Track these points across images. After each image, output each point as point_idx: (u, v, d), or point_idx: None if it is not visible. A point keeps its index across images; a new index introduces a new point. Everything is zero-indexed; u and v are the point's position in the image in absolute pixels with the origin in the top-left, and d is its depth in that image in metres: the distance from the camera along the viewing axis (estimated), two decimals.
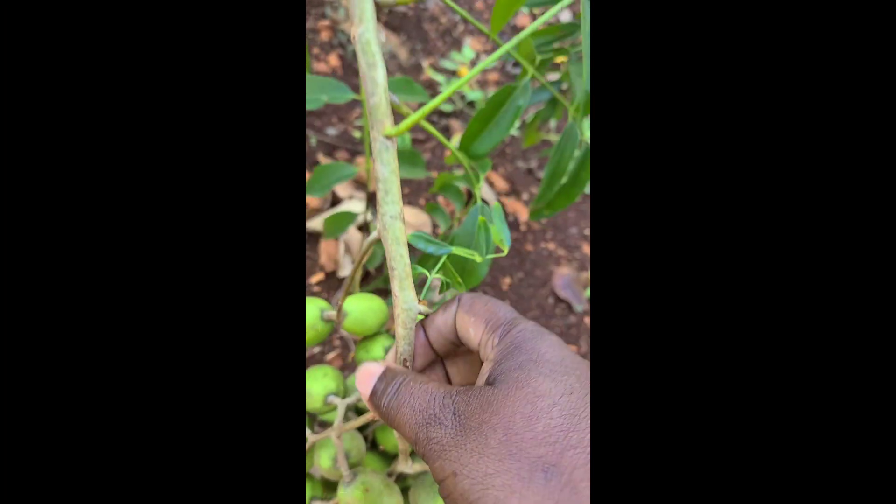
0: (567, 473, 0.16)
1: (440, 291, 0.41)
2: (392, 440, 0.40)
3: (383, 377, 0.22)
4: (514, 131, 0.49)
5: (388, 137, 0.28)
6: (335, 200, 0.75)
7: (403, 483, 0.43)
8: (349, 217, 0.58)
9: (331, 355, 0.61)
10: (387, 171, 0.27)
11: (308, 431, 0.35)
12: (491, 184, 0.85)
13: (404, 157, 0.56)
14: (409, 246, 0.28)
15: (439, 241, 0.33)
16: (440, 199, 0.80)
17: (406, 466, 0.33)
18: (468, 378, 0.27)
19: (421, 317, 0.27)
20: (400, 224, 0.26)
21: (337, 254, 0.68)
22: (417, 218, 0.77)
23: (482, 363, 0.23)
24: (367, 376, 0.23)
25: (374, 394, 0.22)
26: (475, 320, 0.23)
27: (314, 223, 0.70)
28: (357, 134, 0.82)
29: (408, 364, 0.27)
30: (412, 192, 0.80)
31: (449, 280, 0.36)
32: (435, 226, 0.77)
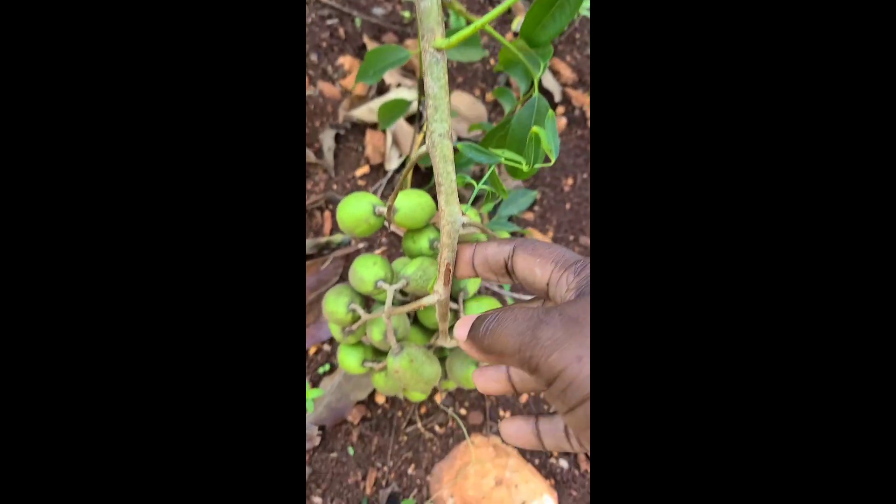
0: None
1: (485, 202, 0.43)
2: (432, 318, 0.45)
3: (481, 317, 0.24)
4: (584, 10, 0.45)
5: (439, 50, 0.28)
6: (381, 89, 0.74)
7: (441, 354, 0.50)
8: (402, 105, 0.58)
9: (378, 251, 0.66)
10: (436, 86, 0.28)
11: (363, 311, 0.41)
12: (556, 73, 0.80)
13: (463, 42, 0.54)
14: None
15: (489, 152, 0.34)
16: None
17: (444, 341, 0.39)
18: None
19: (464, 228, 0.30)
20: (447, 142, 0.27)
21: (384, 146, 0.70)
22: (473, 109, 0.75)
23: (548, 298, 0.25)
24: (463, 322, 0.25)
25: (472, 330, 0.24)
26: (541, 261, 0.25)
27: (360, 112, 0.71)
28: (406, 14, 0.77)
29: (451, 269, 0.31)
30: (467, 81, 0.77)
31: (495, 189, 0.38)
32: (491, 117, 0.76)
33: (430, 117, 0.27)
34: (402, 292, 0.44)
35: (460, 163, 0.61)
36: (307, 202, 0.66)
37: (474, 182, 0.35)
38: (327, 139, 0.68)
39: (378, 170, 0.70)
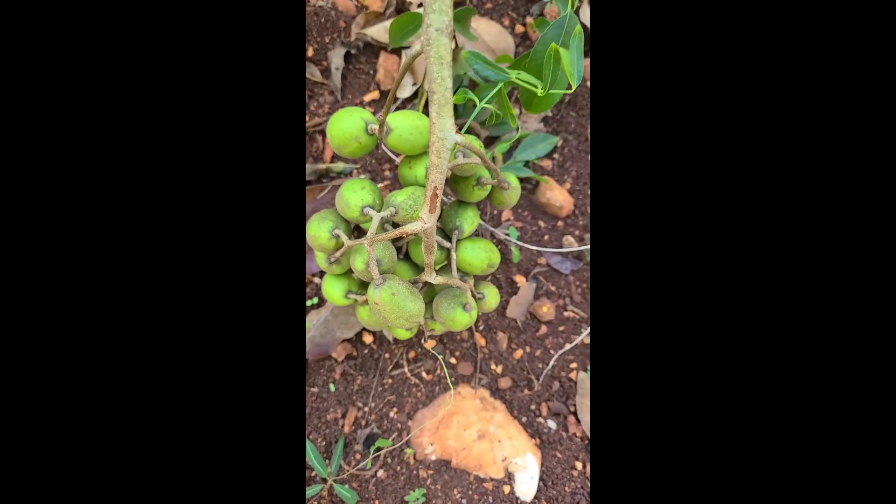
0: None
1: (489, 122, 0.39)
2: (422, 254, 0.42)
3: None
4: None
5: None
6: (401, 8, 0.68)
7: (430, 293, 0.47)
8: (417, 21, 0.53)
9: (381, 185, 0.62)
10: None
11: (345, 237, 0.38)
12: None
13: None
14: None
15: (497, 66, 0.30)
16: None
17: (430, 277, 0.36)
18: None
19: (458, 147, 0.26)
20: (445, 40, 0.23)
21: (396, 71, 0.65)
22: (499, 39, 0.69)
23: None
24: None
25: None
26: None
27: (374, 31, 0.65)
28: None
29: (439, 193, 0.27)
30: (497, 7, 0.70)
31: (501, 112, 0.34)
32: (518, 51, 0.70)
33: (427, 6, 0.23)
34: (392, 223, 0.41)
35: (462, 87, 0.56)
36: (308, 124, 0.62)
37: (476, 99, 0.31)
38: (336, 58, 0.64)
39: (388, 96, 0.65)
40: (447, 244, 0.43)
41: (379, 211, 0.37)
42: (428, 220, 0.29)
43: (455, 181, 0.42)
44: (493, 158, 0.62)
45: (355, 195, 0.37)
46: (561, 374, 0.58)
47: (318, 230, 0.39)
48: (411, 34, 0.56)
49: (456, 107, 0.59)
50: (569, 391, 0.57)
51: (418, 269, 0.46)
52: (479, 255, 0.45)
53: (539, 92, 0.29)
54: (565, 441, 0.55)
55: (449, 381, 0.56)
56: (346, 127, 0.36)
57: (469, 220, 0.44)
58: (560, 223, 0.64)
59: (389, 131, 0.35)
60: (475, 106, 0.33)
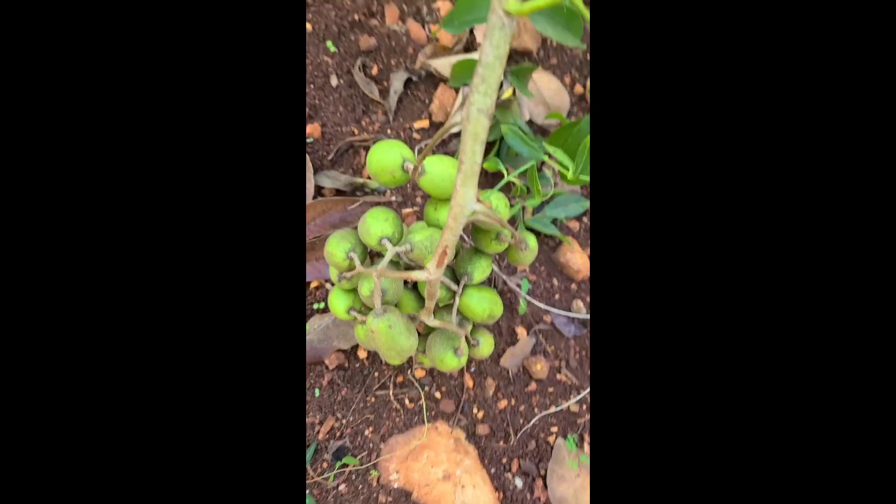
0: None
1: (532, 197, 0.41)
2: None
3: None
4: None
5: (508, 14, 0.26)
6: (470, 46, 0.71)
7: (426, 330, 0.49)
8: None
9: (409, 209, 0.65)
10: (492, 54, 0.25)
11: (358, 262, 0.40)
12: None
13: (557, 16, 0.50)
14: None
15: (532, 145, 0.31)
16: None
17: (427, 319, 0.37)
18: None
19: (474, 215, 0.28)
20: (484, 120, 0.25)
21: (451, 106, 0.67)
22: (557, 97, 0.71)
23: None
24: None
25: None
26: None
27: (439, 63, 0.68)
28: None
29: (449, 253, 0.29)
30: (561, 65, 0.73)
31: (530, 185, 0.36)
32: (573, 110, 0.72)
33: (474, 87, 0.25)
34: (406, 259, 0.43)
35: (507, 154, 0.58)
36: (356, 137, 0.65)
37: (504, 170, 0.32)
38: (397, 81, 0.67)
39: (438, 128, 0.68)
40: (454, 287, 0.45)
41: (396, 245, 0.39)
42: (433, 273, 0.30)
43: (476, 230, 0.44)
44: (523, 209, 0.64)
45: (377, 225, 0.39)
46: (540, 435, 0.59)
47: (336, 249, 0.42)
48: (468, 78, 0.58)
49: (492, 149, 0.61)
50: (543, 454, 0.58)
51: (422, 301, 0.48)
52: (483, 304, 0.46)
53: (569, 176, 0.31)
54: (528, 502, 0.56)
55: (425, 415, 0.57)
56: (384, 158, 0.39)
57: (480, 269, 0.46)
58: (574, 286, 0.65)
59: (423, 173, 0.37)
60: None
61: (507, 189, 0.65)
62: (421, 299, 0.49)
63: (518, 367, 0.61)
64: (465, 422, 0.58)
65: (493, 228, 0.40)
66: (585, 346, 0.63)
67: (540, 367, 0.61)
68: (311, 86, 0.66)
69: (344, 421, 0.57)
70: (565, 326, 0.64)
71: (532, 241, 0.46)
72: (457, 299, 0.45)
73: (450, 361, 0.46)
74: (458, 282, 0.46)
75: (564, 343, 0.63)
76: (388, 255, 0.37)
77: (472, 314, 0.47)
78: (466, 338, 0.48)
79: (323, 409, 0.57)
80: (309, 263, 0.59)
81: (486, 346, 0.51)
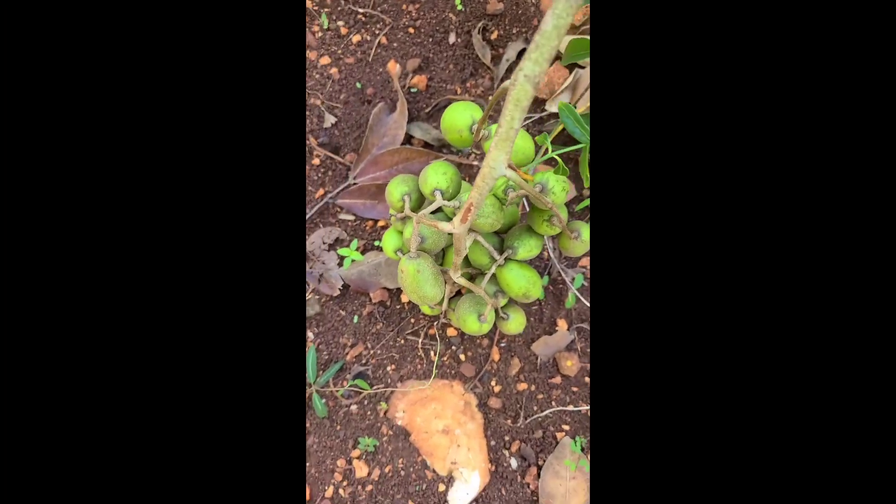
0: None
1: (556, 172, 0.40)
2: (475, 253, 0.46)
3: None
4: None
5: None
6: None
7: (459, 288, 0.50)
8: (588, 46, 0.54)
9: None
10: (552, 23, 0.26)
11: (408, 206, 0.43)
12: None
13: None
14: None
15: (585, 126, 0.31)
16: None
17: (453, 274, 0.39)
18: None
19: (503, 180, 0.29)
20: (529, 88, 0.26)
21: (557, 84, 0.66)
22: None
23: None
24: None
25: None
26: None
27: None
28: None
29: (473, 210, 0.30)
30: None
31: (582, 171, 0.35)
32: None
33: (528, 53, 0.26)
34: (453, 214, 0.44)
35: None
36: (457, 96, 0.67)
37: (549, 145, 0.33)
38: (511, 50, 0.67)
39: (541, 104, 0.67)
40: (497, 257, 0.46)
41: (446, 198, 0.41)
42: (457, 227, 0.32)
43: (532, 209, 0.44)
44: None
45: (435, 176, 0.41)
46: (549, 428, 0.59)
47: (394, 189, 0.45)
48: (582, 57, 0.57)
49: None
50: (547, 446, 0.58)
51: (469, 269, 0.50)
52: (521, 281, 0.47)
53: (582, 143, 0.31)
54: (516, 485, 0.57)
55: (434, 369, 0.60)
56: (455, 118, 0.40)
57: (526, 247, 0.46)
58: None
59: (486, 137, 0.38)
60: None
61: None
62: (466, 262, 0.51)
63: (549, 357, 0.61)
64: (481, 390, 0.60)
65: (538, 204, 0.40)
66: None
67: (570, 364, 0.60)
68: (430, 39, 0.69)
69: (372, 352, 0.61)
70: None
71: (585, 232, 0.45)
72: (494, 267, 0.46)
73: (472, 324, 0.48)
74: (502, 253, 0.47)
75: None
76: (436, 204, 0.39)
77: (509, 288, 0.48)
78: (498, 310, 0.49)
79: (357, 334, 0.61)
80: (380, 202, 0.63)
81: (515, 322, 0.52)
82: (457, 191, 0.43)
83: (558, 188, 0.40)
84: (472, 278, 0.52)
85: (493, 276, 0.51)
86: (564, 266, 0.64)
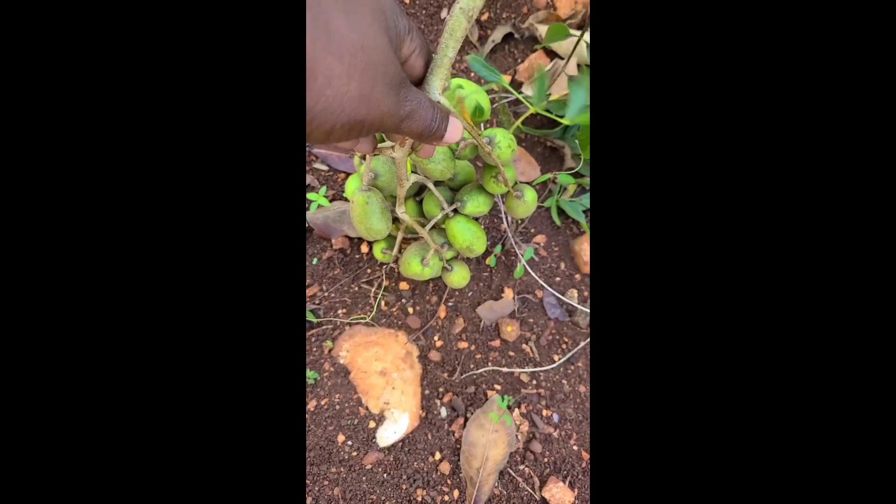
0: None
1: (473, 116, 0.44)
2: (431, 205, 0.49)
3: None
4: None
5: None
6: (582, 24, 0.72)
7: (411, 233, 0.53)
8: (565, 32, 0.58)
9: None
10: None
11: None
12: None
13: None
14: None
15: (495, 71, 0.35)
16: None
17: (398, 208, 0.43)
18: None
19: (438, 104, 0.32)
20: (464, 21, 0.30)
21: (536, 70, 0.69)
22: None
23: None
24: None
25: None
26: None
27: (545, 29, 0.71)
28: None
29: (407, 138, 0.33)
30: None
31: (503, 117, 0.39)
32: None
33: None
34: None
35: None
36: None
37: (465, 90, 0.36)
38: (498, 33, 0.71)
39: (518, 87, 0.71)
40: (446, 207, 0.50)
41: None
42: (398, 152, 0.36)
43: (484, 167, 0.48)
44: (562, 189, 0.66)
45: None
46: (482, 385, 0.62)
47: None
48: (559, 40, 0.61)
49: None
50: (477, 401, 0.61)
51: (421, 218, 0.53)
52: (466, 234, 0.51)
53: (531, 108, 0.34)
54: (443, 431, 0.60)
55: (375, 306, 0.63)
56: None
57: (475, 202, 0.50)
58: (578, 276, 0.66)
59: (447, 87, 0.42)
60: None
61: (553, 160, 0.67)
62: (422, 215, 0.55)
63: (492, 322, 0.65)
64: (423, 343, 0.63)
65: (486, 159, 0.43)
66: (562, 332, 0.65)
67: (511, 330, 0.64)
68: (424, 12, 0.73)
69: (326, 294, 0.64)
70: (552, 307, 0.66)
71: (529, 193, 0.49)
72: (440, 216, 0.49)
73: (414, 267, 0.52)
74: (452, 203, 0.50)
75: (544, 321, 0.65)
76: (388, 143, 0.43)
77: (454, 239, 0.51)
78: (438, 253, 0.52)
79: (313, 276, 0.65)
80: (353, 156, 0.66)
81: (458, 275, 0.55)
82: None
83: (504, 143, 0.44)
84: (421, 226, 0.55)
85: (443, 229, 0.55)
86: (519, 240, 0.67)
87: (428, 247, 0.52)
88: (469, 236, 0.51)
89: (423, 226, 0.54)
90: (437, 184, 0.54)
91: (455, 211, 0.52)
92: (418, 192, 0.56)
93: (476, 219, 0.58)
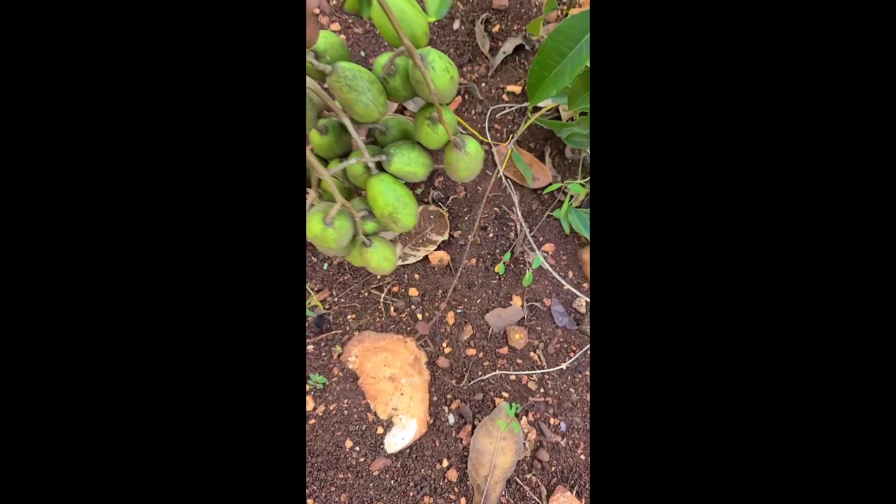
0: None
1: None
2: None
3: None
4: None
5: None
6: None
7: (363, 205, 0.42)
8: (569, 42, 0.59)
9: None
10: None
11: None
12: None
13: None
14: None
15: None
16: None
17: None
18: None
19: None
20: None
21: None
22: None
23: None
24: None
25: None
26: None
27: None
28: None
29: (318, 13, 0.28)
30: None
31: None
32: None
33: None
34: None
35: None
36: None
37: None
38: (508, 44, 0.72)
39: (523, 101, 0.72)
40: (367, 156, 0.37)
41: (323, 63, 0.35)
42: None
43: (419, 111, 0.38)
44: (570, 197, 0.67)
45: (323, 39, 0.36)
46: (490, 392, 0.62)
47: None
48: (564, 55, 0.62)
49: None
50: (485, 408, 0.62)
51: (345, 179, 0.43)
52: (388, 197, 0.38)
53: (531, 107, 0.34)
54: (450, 438, 0.60)
55: (384, 307, 0.63)
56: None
57: (404, 158, 0.38)
58: (585, 285, 0.67)
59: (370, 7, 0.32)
60: None
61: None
62: (344, 175, 0.43)
63: (500, 329, 0.65)
64: (432, 349, 0.64)
65: (418, 89, 0.35)
66: (570, 340, 0.65)
67: (519, 338, 0.64)
68: (437, 22, 0.74)
69: (336, 299, 0.65)
70: (560, 315, 0.66)
71: (473, 146, 0.38)
72: (351, 160, 0.38)
73: (314, 226, 0.38)
74: (379, 158, 0.38)
75: (552, 329, 0.65)
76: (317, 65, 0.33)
77: (375, 203, 0.38)
78: (350, 213, 0.39)
79: (325, 281, 0.65)
80: None
81: (376, 254, 0.42)
82: (337, 58, 0.37)
83: (440, 66, 0.33)
84: (349, 195, 0.43)
85: (363, 196, 0.42)
86: (528, 248, 0.68)
87: (345, 211, 0.38)
88: (393, 200, 0.37)
89: (350, 193, 0.42)
90: (367, 142, 0.42)
91: (379, 167, 0.39)
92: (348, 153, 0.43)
93: (412, 188, 0.46)
